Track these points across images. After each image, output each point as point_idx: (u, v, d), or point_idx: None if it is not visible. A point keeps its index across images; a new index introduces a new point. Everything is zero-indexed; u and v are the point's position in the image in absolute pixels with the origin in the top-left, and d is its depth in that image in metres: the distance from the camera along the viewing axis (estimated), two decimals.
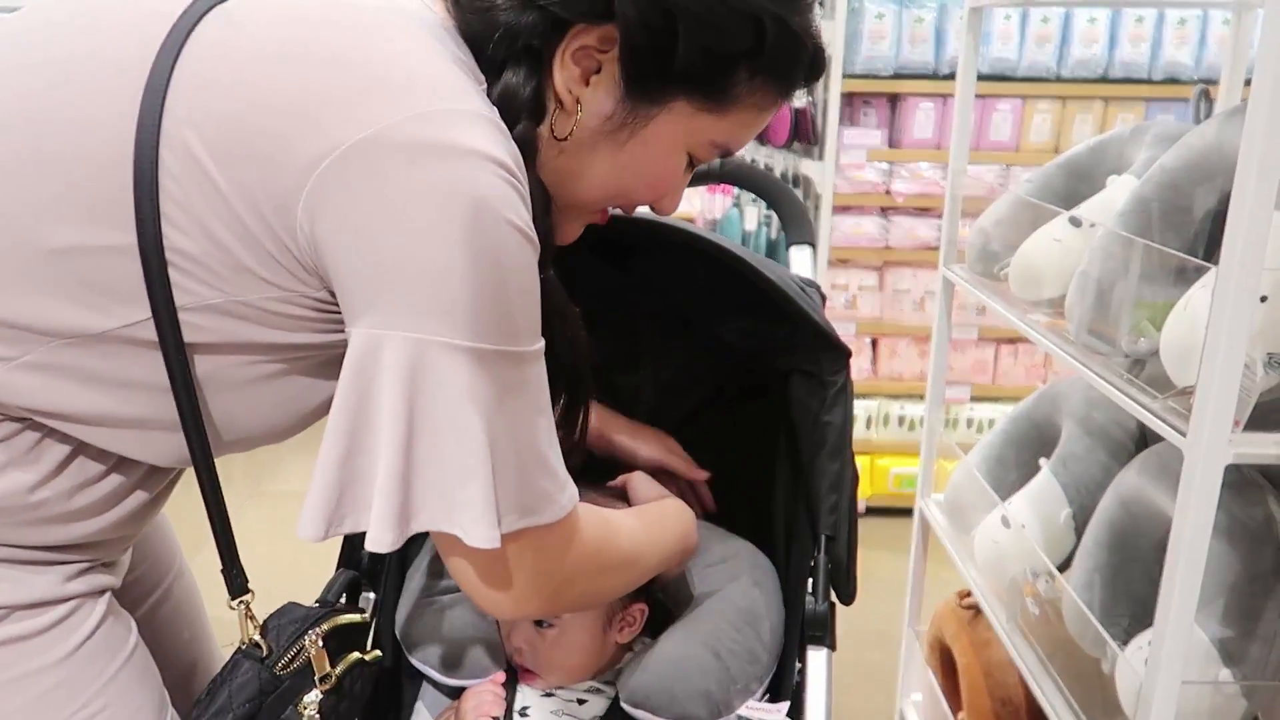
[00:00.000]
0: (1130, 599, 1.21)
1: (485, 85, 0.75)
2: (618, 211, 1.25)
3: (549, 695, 1.00)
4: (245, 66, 0.68)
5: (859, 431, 3.00)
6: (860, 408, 2.99)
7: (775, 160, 2.94)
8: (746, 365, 1.18)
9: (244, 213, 0.67)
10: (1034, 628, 1.36)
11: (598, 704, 0.99)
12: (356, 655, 0.86)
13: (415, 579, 1.09)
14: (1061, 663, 1.30)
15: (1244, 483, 1.09)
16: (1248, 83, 0.90)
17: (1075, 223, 1.34)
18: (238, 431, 0.77)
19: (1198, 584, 0.97)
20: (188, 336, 0.70)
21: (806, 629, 0.94)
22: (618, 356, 1.25)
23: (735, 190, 3.29)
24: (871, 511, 2.96)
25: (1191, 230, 1.13)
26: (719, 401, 1.26)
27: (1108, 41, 2.76)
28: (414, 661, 1.02)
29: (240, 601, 0.80)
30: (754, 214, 3.00)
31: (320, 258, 0.68)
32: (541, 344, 0.73)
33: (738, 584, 1.05)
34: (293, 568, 2.38)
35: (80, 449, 0.75)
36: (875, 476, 3.03)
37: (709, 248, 1.04)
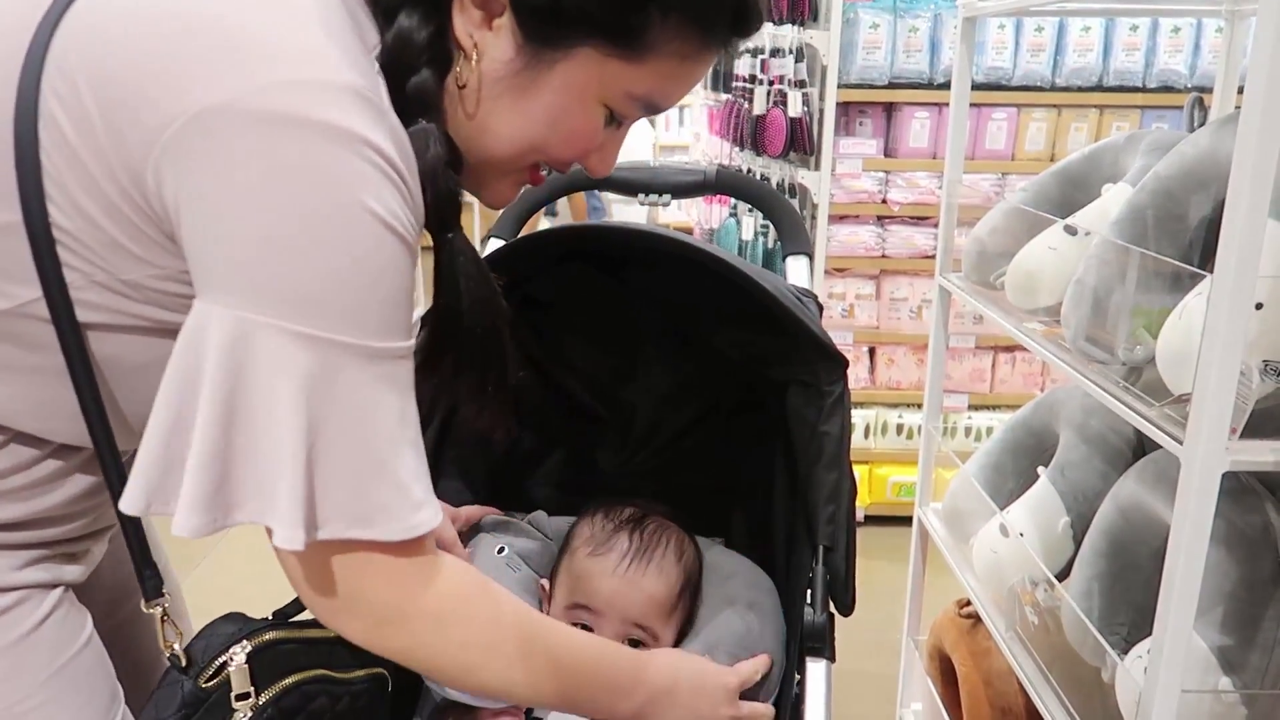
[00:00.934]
0: (1129, 607, 1.21)
1: (378, 49, 0.70)
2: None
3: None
4: (115, 33, 0.65)
5: (857, 440, 3.00)
6: (858, 416, 2.99)
7: (772, 170, 2.95)
8: (744, 376, 1.18)
9: (105, 183, 0.65)
10: (1033, 636, 1.36)
11: None
12: (294, 679, 0.81)
13: None
14: (1061, 671, 1.29)
15: (1241, 490, 1.09)
16: (1241, 90, 0.90)
17: (1071, 231, 1.35)
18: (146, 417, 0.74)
19: (1196, 591, 0.97)
20: (82, 316, 0.68)
21: (805, 641, 0.93)
22: (614, 369, 1.24)
23: (732, 200, 3.30)
24: (870, 520, 2.96)
25: (1186, 238, 1.13)
26: (717, 413, 1.25)
27: (1102, 50, 2.77)
28: (450, 691, 0.97)
29: (156, 604, 0.78)
30: (750, 224, 3.00)
31: (174, 227, 0.65)
32: (408, 343, 0.68)
33: (735, 609, 1.05)
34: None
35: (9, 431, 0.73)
36: (873, 485, 3.03)
37: (705, 258, 1.04)
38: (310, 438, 0.64)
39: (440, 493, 1.18)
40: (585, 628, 0.99)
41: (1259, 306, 0.93)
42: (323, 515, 0.65)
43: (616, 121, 0.79)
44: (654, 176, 1.29)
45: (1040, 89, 2.81)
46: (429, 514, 0.70)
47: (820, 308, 1.16)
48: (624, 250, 1.12)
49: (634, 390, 1.25)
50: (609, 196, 4.95)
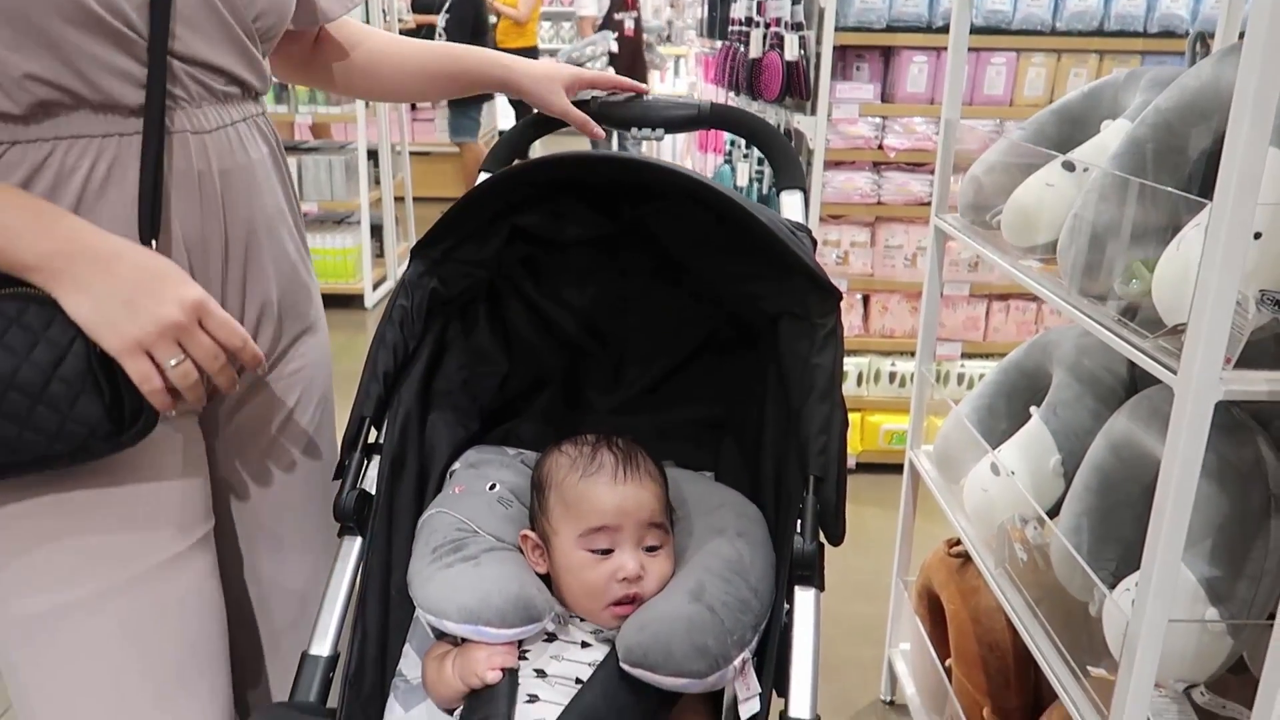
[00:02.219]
0: (1118, 543, 1.21)
1: None
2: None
3: (549, 640, 0.99)
4: None
5: (850, 388, 3.00)
6: (851, 364, 2.99)
7: (767, 115, 2.91)
8: (735, 312, 1.17)
9: None
10: (1022, 573, 1.37)
11: (599, 651, 0.99)
12: None
13: (420, 550, 1.04)
14: (1049, 607, 1.30)
15: (1234, 424, 1.10)
16: (1242, 35, 0.88)
17: (1069, 167, 1.33)
18: None
19: (1186, 522, 0.97)
20: None
21: (795, 569, 0.93)
22: (607, 305, 1.23)
23: (727, 147, 3.27)
24: (861, 468, 2.98)
25: (1186, 171, 1.12)
26: (707, 350, 1.25)
27: None
28: (454, 626, 0.96)
29: None
30: (745, 170, 2.97)
31: None
32: None
33: (724, 536, 1.04)
34: None
35: None
36: (866, 433, 3.04)
37: (699, 190, 1.02)
38: None
39: (430, 427, 1.19)
40: (606, 552, 1.00)
41: (1258, 236, 0.93)
42: None
43: None
44: (647, 110, 1.27)
45: (1040, 33, 2.77)
46: None
47: (814, 242, 1.14)
48: (614, 183, 1.10)
49: (625, 327, 1.24)
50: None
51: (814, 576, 0.93)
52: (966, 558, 1.64)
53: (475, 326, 1.20)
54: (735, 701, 0.94)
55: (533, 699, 0.94)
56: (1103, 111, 1.43)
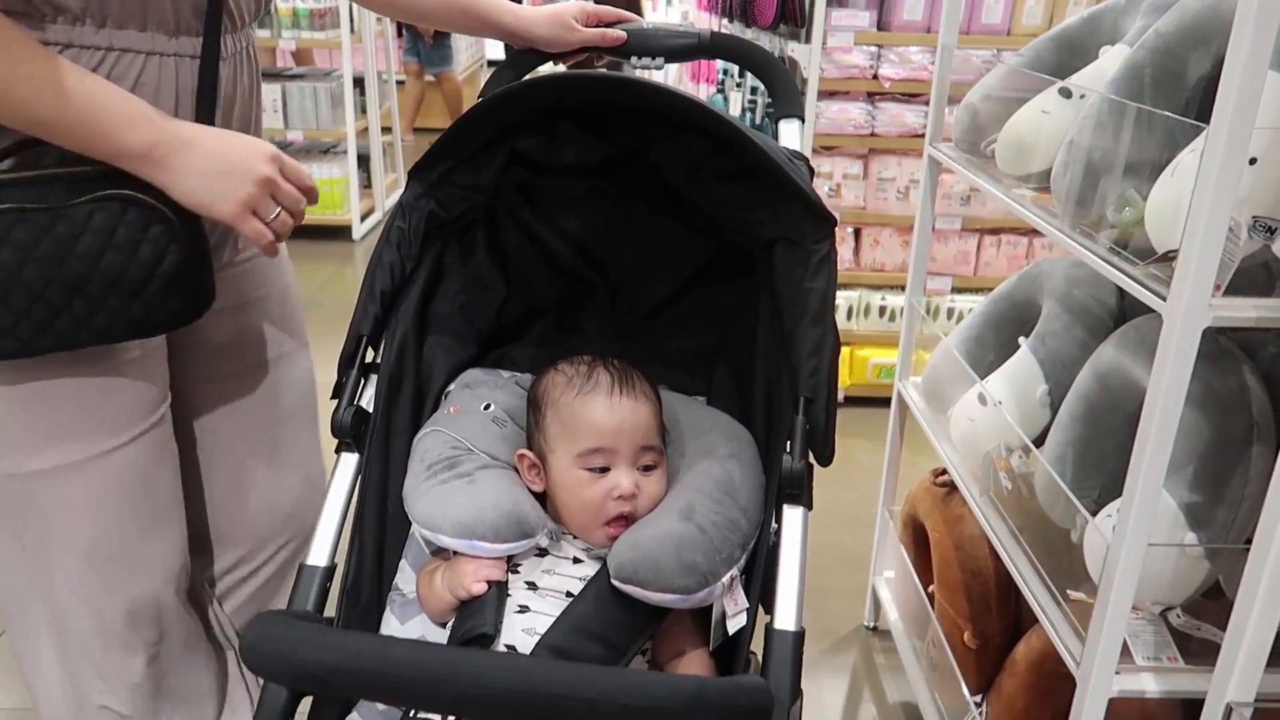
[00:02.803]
0: (1101, 472, 1.23)
1: None
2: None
3: (541, 555, 1.01)
4: None
5: (840, 322, 3.00)
6: (841, 298, 2.99)
7: (761, 42, 2.86)
8: (733, 238, 1.16)
9: None
10: (1006, 502, 1.39)
11: (590, 567, 1.00)
12: None
13: (415, 467, 1.06)
14: (1032, 534, 1.32)
15: (1220, 353, 1.10)
16: None
17: (1065, 94, 1.32)
18: None
19: (1169, 448, 0.98)
20: None
21: (783, 487, 0.94)
22: (604, 233, 1.22)
23: (720, 76, 3.22)
24: (850, 401, 2.99)
25: (1184, 97, 1.11)
26: (705, 279, 1.25)
27: None
28: (449, 540, 0.98)
29: None
30: (738, 99, 2.93)
31: None
32: None
33: (715, 458, 1.06)
34: None
35: None
36: (855, 366, 3.05)
37: (697, 113, 1.01)
38: None
39: (427, 349, 1.19)
40: (602, 470, 1.01)
41: (1253, 161, 0.92)
42: None
43: None
44: (647, 40, 1.25)
45: None
46: None
47: (811, 171, 1.13)
48: (612, 107, 1.08)
49: (621, 255, 1.24)
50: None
51: (802, 495, 0.94)
52: (951, 487, 1.66)
53: (473, 252, 1.20)
54: (724, 617, 0.96)
55: (523, 609, 0.96)
56: (1102, 37, 1.41)
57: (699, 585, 0.93)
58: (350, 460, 1.02)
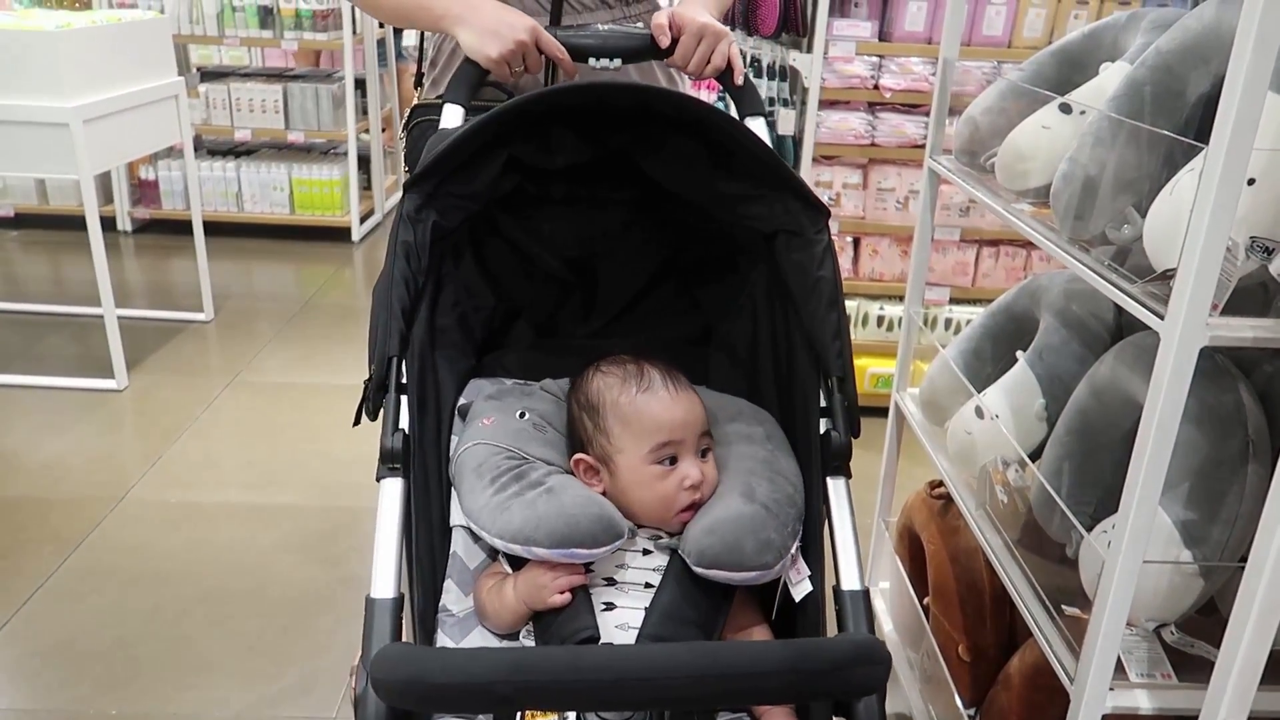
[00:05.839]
0: (1097, 487, 1.23)
1: None
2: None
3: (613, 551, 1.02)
4: None
5: None
6: None
7: (763, 51, 2.87)
8: (731, 231, 1.19)
9: None
10: (1002, 515, 1.39)
11: (660, 557, 1.03)
12: None
13: (474, 484, 1.05)
14: (1027, 549, 1.32)
15: (1216, 370, 1.10)
16: None
17: (1065, 109, 1.32)
18: None
19: (1165, 465, 0.98)
20: None
21: (831, 459, 1.03)
22: (583, 238, 1.24)
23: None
24: None
25: (1183, 115, 1.11)
26: (677, 270, 1.27)
27: None
28: (544, 552, 0.97)
29: None
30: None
31: None
32: None
33: (752, 440, 1.12)
34: (269, 454, 2.40)
35: None
36: None
37: (685, 111, 1.03)
38: None
39: (435, 362, 1.19)
40: (672, 461, 1.06)
41: (1251, 182, 0.92)
42: None
43: None
44: (604, 41, 1.26)
45: None
46: None
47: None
48: (604, 107, 1.09)
49: (596, 255, 1.27)
50: None
51: (843, 466, 1.04)
52: (948, 499, 1.66)
53: (463, 262, 1.21)
54: (786, 587, 1.02)
55: (609, 606, 0.99)
56: (1103, 54, 1.41)
57: (775, 560, 0.99)
58: (395, 485, 0.99)
